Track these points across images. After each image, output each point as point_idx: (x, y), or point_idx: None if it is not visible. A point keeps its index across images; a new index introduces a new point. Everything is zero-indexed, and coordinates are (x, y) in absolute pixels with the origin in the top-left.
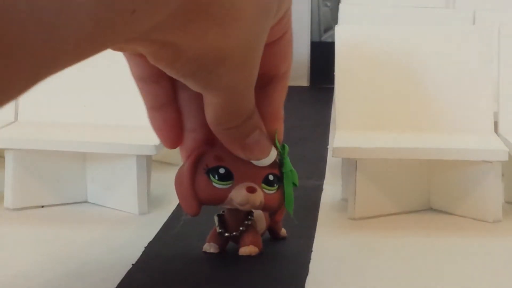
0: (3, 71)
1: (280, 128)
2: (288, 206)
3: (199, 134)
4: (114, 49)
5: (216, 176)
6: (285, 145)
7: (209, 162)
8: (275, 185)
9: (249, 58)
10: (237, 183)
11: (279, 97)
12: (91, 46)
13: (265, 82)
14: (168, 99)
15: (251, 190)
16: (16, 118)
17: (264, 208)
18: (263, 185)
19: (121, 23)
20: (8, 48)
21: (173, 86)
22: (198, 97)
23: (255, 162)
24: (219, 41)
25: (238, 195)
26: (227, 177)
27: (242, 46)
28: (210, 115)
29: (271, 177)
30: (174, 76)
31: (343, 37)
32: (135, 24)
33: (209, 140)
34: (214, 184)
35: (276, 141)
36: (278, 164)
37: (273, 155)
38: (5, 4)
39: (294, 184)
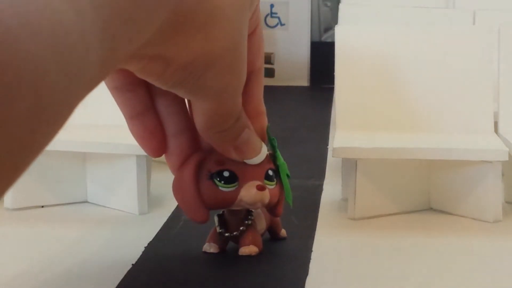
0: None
1: (264, 122)
2: (288, 197)
3: (183, 138)
4: None
5: (221, 180)
6: (274, 138)
7: (211, 167)
8: (274, 179)
9: (236, 56)
10: (242, 184)
11: (259, 93)
12: (96, 83)
13: None
14: (146, 106)
15: (261, 188)
16: None
17: (267, 204)
18: (265, 181)
19: (120, 55)
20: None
21: (149, 93)
22: (177, 101)
23: (247, 161)
24: (205, 46)
25: (248, 195)
26: (232, 179)
27: (228, 45)
28: (200, 120)
29: (270, 172)
30: (164, 87)
31: (343, 37)
32: (131, 48)
33: (195, 143)
34: (220, 188)
35: (269, 136)
36: (272, 158)
37: (263, 152)
38: (40, 67)
39: (288, 175)
